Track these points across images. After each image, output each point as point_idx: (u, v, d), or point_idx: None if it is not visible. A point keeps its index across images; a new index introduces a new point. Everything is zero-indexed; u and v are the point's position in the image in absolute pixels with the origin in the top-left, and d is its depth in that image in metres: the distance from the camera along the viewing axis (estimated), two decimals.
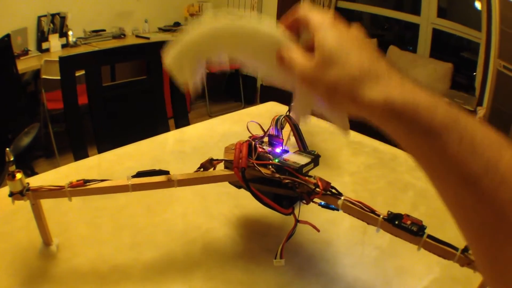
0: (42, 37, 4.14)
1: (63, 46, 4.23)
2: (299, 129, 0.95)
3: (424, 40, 4.48)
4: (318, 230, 0.79)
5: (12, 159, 0.75)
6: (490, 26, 3.05)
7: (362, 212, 0.71)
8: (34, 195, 0.77)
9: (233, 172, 0.78)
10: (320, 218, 0.81)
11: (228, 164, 0.81)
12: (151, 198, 1.03)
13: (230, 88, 5.86)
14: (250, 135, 0.91)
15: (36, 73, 3.76)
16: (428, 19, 4.35)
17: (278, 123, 0.92)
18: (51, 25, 4.17)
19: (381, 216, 0.70)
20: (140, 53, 1.97)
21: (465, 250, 0.65)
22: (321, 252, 0.89)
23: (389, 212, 0.70)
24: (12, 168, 0.75)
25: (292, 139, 0.98)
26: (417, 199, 1.11)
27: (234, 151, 0.80)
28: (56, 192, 0.77)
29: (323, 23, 0.54)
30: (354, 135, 1.48)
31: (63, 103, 1.57)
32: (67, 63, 1.56)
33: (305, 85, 0.54)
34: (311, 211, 0.81)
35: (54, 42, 4.16)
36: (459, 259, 0.65)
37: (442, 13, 4.26)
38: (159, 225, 0.95)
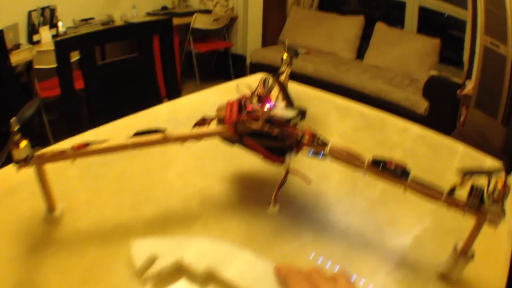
0: (33, 30, 4.16)
1: (54, 36, 4.25)
2: (286, 88, 0.99)
3: (411, 17, 4.53)
4: (309, 182, 0.83)
5: (16, 129, 0.77)
6: (475, 4, 3.10)
7: (349, 157, 0.75)
8: (39, 160, 0.79)
9: (226, 127, 0.82)
10: (310, 174, 0.85)
11: (221, 121, 0.85)
12: (149, 162, 1.08)
13: (220, 67, 5.96)
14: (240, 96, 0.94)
15: (28, 64, 3.79)
16: None
17: (266, 83, 0.96)
18: (41, 18, 4.20)
19: (367, 161, 0.74)
20: (131, 33, 2.00)
21: (451, 192, 0.69)
22: (314, 203, 0.94)
23: (374, 158, 0.74)
24: (17, 137, 0.77)
25: (280, 98, 1.02)
26: (405, 158, 1.15)
27: (225, 109, 0.84)
28: (60, 155, 0.79)
29: None
30: (342, 102, 1.52)
31: (60, 83, 1.61)
32: (62, 46, 1.60)
33: None
34: (301, 167, 0.85)
35: (45, 34, 4.19)
36: (446, 200, 0.69)
37: None
38: (158, 185, 0.99)
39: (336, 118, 1.38)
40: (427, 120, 3.61)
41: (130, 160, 1.06)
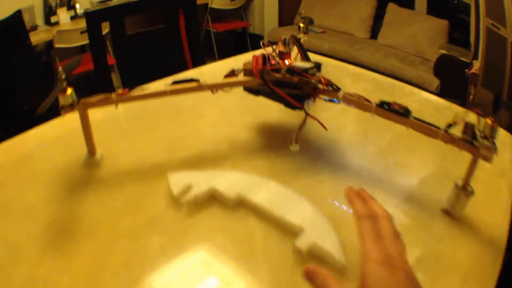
0: (50, 11, 4.23)
1: (72, 18, 4.33)
2: (303, 47, 1.09)
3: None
4: (326, 128, 0.93)
5: (63, 77, 0.84)
6: None
7: (359, 100, 0.86)
8: (84, 106, 0.87)
9: (253, 77, 0.92)
10: (327, 125, 0.95)
11: (248, 72, 0.95)
12: (180, 116, 1.19)
13: (238, 46, 5.98)
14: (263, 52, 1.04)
15: (48, 44, 3.89)
16: None
17: (285, 42, 1.06)
18: (58, 0, 4.28)
19: (374, 103, 0.85)
20: (158, 5, 2.10)
21: (447, 128, 0.78)
22: (330, 148, 1.04)
23: (381, 100, 0.85)
24: (64, 84, 0.85)
25: (299, 59, 1.12)
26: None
27: (252, 62, 0.95)
28: (104, 101, 0.87)
29: (376, 260, 0.58)
30: (355, 69, 1.62)
31: (92, 54, 1.72)
32: (93, 17, 1.71)
33: None
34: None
35: (63, 15, 4.25)
36: (443, 136, 0.79)
37: None
38: (190, 133, 1.10)
39: (350, 82, 1.48)
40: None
41: (162, 115, 1.17)
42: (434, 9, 4.53)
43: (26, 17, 3.83)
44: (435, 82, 3.80)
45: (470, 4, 3.94)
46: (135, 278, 0.69)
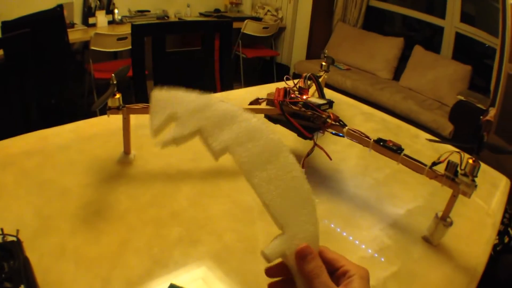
0: (89, 12, 4.36)
1: (109, 22, 4.48)
2: (321, 85, 1.24)
3: (448, 42, 4.67)
4: (330, 158, 1.07)
5: (115, 82, 0.97)
6: (504, 31, 3.18)
7: (359, 136, 1.01)
8: (128, 110, 1.01)
9: (274, 107, 1.07)
10: (332, 156, 1.08)
11: (270, 102, 1.10)
12: None
13: (265, 74, 6.10)
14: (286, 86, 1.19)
15: (84, 44, 4.04)
16: (451, 23, 4.57)
17: (305, 79, 1.21)
18: (98, 2, 4.41)
19: (372, 140, 0.99)
20: (198, 28, 2.27)
21: (432, 166, 0.91)
22: (332, 175, 1.19)
23: (378, 138, 0.99)
24: (114, 89, 0.98)
25: (316, 95, 1.27)
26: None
27: (274, 93, 1.10)
28: (146, 109, 1.01)
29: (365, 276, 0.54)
30: (367, 108, 1.77)
31: (132, 64, 1.87)
32: (138, 30, 1.87)
33: None
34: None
35: (101, 18, 4.36)
36: (428, 172, 0.91)
37: (468, 19, 4.46)
38: None
39: (361, 121, 1.62)
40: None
41: None
42: (460, 53, 4.61)
43: (64, 13, 3.95)
44: (449, 127, 3.88)
45: (494, 47, 4.00)
46: (155, 259, 0.82)
